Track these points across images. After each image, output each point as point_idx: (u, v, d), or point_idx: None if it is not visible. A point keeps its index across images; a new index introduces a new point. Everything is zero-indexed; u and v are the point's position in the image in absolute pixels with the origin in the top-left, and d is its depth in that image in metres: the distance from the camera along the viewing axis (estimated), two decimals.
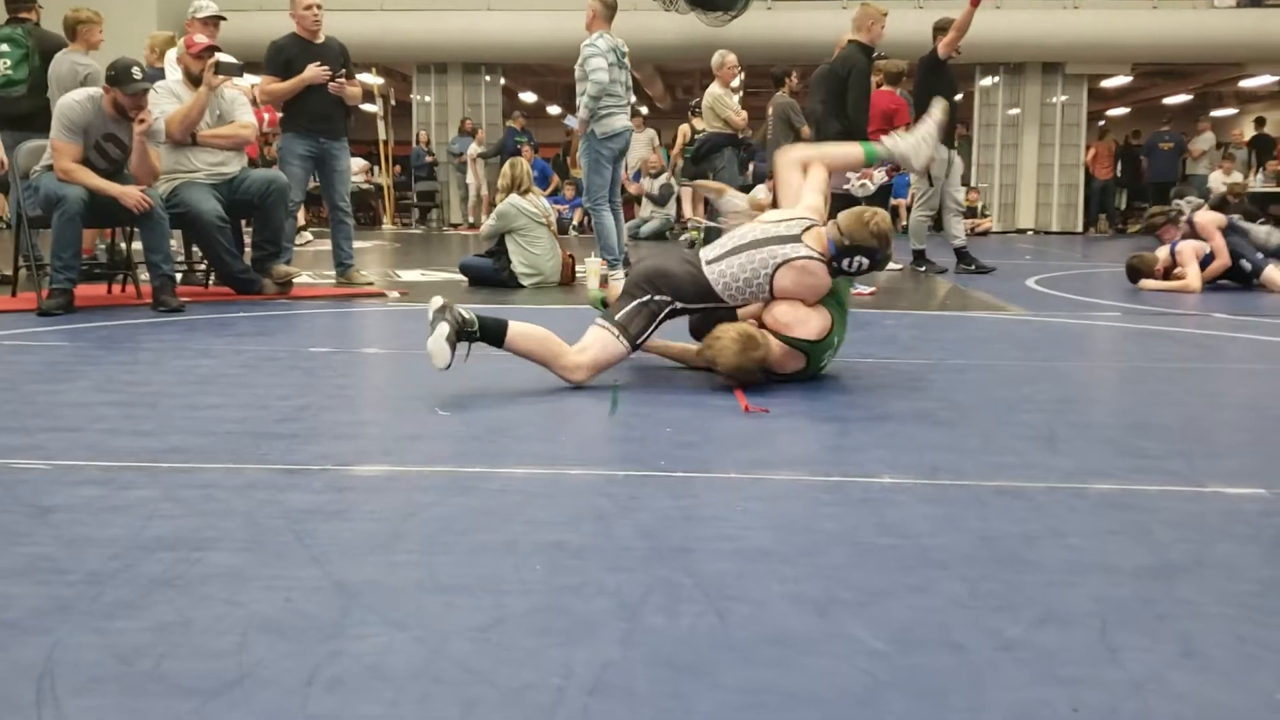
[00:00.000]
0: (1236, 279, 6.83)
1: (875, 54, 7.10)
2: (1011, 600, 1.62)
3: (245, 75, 6.34)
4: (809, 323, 3.33)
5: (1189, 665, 1.40)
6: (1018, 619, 1.55)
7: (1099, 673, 1.38)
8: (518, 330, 3.27)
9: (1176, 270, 6.76)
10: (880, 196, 10.54)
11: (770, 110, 9.75)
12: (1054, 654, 1.43)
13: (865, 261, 3.33)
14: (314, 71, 6.39)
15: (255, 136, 6.19)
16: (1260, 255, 6.78)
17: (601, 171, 7.17)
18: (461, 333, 3.13)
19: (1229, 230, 6.80)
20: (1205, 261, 6.72)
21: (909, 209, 9.33)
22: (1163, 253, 6.84)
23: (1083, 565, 1.78)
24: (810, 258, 3.32)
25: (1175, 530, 1.98)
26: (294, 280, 6.10)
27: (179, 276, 5.74)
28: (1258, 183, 15.69)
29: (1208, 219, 6.74)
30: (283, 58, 6.47)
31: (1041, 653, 1.44)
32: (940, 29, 7.82)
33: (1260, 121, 18.64)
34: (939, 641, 1.47)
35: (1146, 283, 6.74)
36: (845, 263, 3.34)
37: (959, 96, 8.11)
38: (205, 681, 1.33)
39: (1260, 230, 7.12)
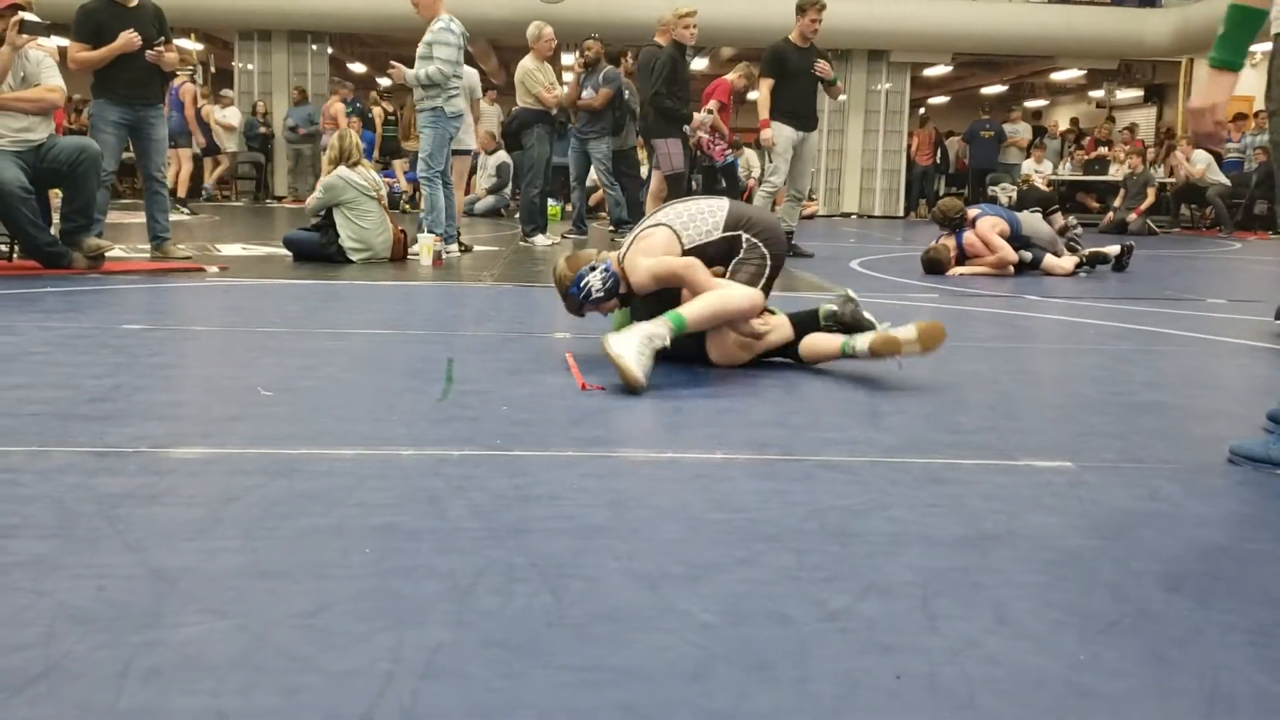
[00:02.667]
0: (1020, 267, 7.10)
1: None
2: (837, 571, 1.67)
3: (53, 35, 5.97)
4: None
5: (1002, 631, 1.47)
6: (843, 590, 1.59)
7: (919, 640, 1.43)
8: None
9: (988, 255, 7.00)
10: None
11: None
12: (877, 623, 1.48)
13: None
14: (126, 39, 6.06)
15: (64, 100, 5.83)
16: (1036, 248, 7.09)
17: (445, 148, 7.18)
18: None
19: (1011, 235, 7.03)
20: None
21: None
22: (950, 242, 7.08)
23: (904, 537, 1.84)
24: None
25: (989, 502, 2.07)
26: (106, 254, 5.79)
27: None
28: (1066, 171, 16.56)
29: (987, 226, 6.96)
30: (93, 23, 6.10)
31: (866, 622, 1.48)
32: (801, 9, 7.86)
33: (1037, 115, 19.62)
34: (767, 613, 1.50)
35: (962, 268, 6.97)
36: None
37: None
38: (8, 676, 1.25)
39: (1033, 219, 7.37)
